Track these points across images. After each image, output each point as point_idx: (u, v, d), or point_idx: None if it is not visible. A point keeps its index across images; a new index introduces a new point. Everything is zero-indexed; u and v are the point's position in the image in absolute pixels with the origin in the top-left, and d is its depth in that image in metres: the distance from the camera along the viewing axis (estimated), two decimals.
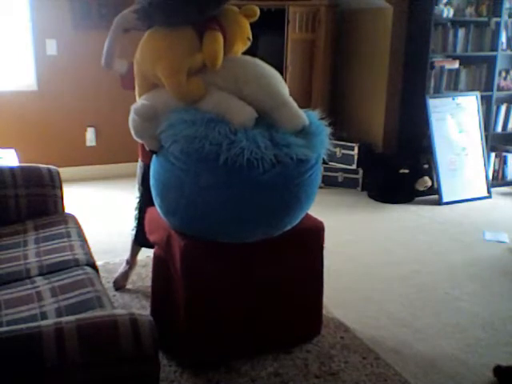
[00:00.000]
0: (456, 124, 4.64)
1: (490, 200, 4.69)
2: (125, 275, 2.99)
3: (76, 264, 2.12)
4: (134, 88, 2.28)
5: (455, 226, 4.05)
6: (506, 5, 4.66)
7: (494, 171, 5.03)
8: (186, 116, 2.04)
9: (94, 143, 5.00)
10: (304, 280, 2.38)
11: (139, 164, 2.86)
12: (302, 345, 2.44)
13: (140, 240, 2.86)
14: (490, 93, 4.82)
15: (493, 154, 4.98)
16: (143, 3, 2.15)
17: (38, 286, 1.94)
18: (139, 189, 2.87)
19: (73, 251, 2.22)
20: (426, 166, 4.65)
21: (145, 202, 2.70)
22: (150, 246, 2.70)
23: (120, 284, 2.96)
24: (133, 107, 2.13)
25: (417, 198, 4.61)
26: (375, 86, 4.87)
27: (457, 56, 4.69)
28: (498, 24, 4.68)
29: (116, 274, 3.01)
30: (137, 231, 2.87)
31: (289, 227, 2.22)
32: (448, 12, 4.54)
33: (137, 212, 2.87)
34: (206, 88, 2.10)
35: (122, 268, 3.02)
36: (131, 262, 3.02)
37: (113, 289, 2.92)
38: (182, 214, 2.12)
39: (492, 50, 4.74)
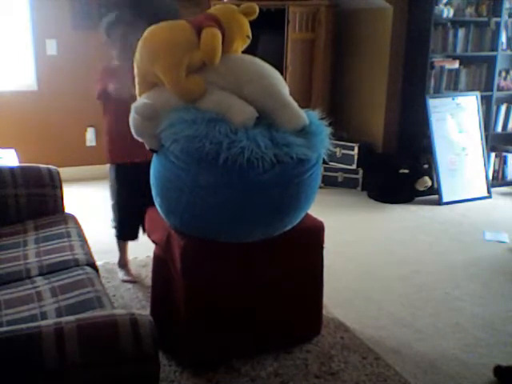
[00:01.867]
0: (456, 124, 4.64)
1: (490, 200, 4.68)
2: (129, 275, 3.04)
3: (76, 264, 2.12)
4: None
5: (455, 226, 4.05)
6: (506, 5, 4.66)
7: (494, 171, 5.03)
8: (187, 115, 2.04)
9: (93, 143, 5.00)
10: (304, 280, 2.37)
11: (109, 167, 3.06)
12: (301, 345, 2.44)
13: (121, 234, 3.01)
14: (490, 93, 4.82)
15: (493, 154, 4.98)
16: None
17: (38, 286, 1.94)
18: (111, 189, 3.07)
19: (73, 251, 2.22)
20: (425, 166, 4.65)
21: (120, 196, 2.96)
22: (132, 236, 2.92)
23: (132, 280, 3.02)
24: (133, 106, 2.14)
25: (417, 198, 4.61)
26: (375, 86, 4.87)
27: (457, 56, 4.69)
28: (498, 24, 4.68)
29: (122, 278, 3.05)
30: (115, 226, 3.01)
31: (289, 227, 2.22)
32: (448, 12, 4.54)
33: (112, 208, 3.05)
34: (206, 87, 2.10)
35: (121, 275, 3.06)
36: (123, 261, 3.07)
37: (113, 289, 2.92)
38: (182, 214, 2.12)
39: (492, 50, 4.74)
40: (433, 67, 4.59)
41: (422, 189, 4.61)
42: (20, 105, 4.68)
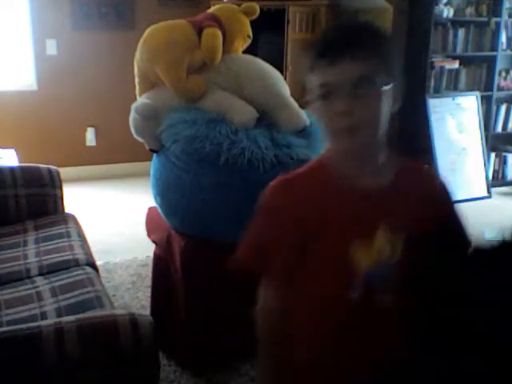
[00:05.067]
0: (456, 124, 4.64)
1: (490, 200, 4.68)
2: None
3: (76, 264, 2.12)
4: None
5: None
6: (506, 5, 4.66)
7: (494, 171, 5.02)
8: (187, 116, 2.04)
9: (94, 143, 4.99)
10: None
11: None
12: None
13: None
14: (490, 93, 4.82)
15: (493, 154, 4.97)
16: None
17: (38, 286, 1.94)
18: None
19: (73, 251, 2.22)
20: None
21: None
22: None
23: None
24: (133, 106, 2.14)
25: None
26: None
27: (457, 56, 4.69)
28: (498, 24, 4.67)
29: None
30: None
31: None
32: (448, 12, 4.54)
33: None
34: (207, 87, 2.10)
35: None
36: None
37: (113, 289, 2.91)
38: (182, 214, 2.12)
39: (492, 50, 4.73)
40: (433, 67, 4.58)
41: None
42: (20, 105, 4.68)
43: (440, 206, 1.18)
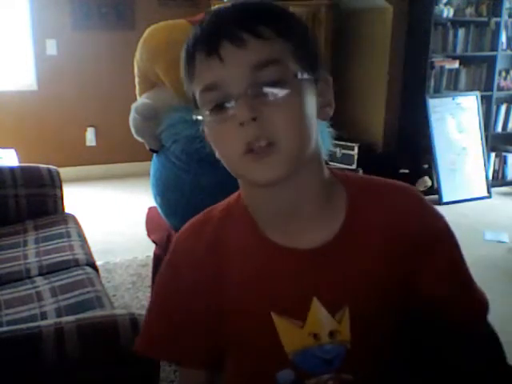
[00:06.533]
0: (456, 124, 4.64)
1: (490, 200, 4.68)
2: None
3: (76, 264, 2.12)
4: None
5: (455, 226, 3.94)
6: (506, 5, 4.66)
7: (494, 171, 5.03)
8: (187, 116, 2.04)
9: (94, 143, 5.00)
10: None
11: None
12: None
13: None
14: (490, 93, 4.82)
15: (493, 154, 4.98)
16: None
17: (37, 286, 1.94)
18: None
19: (73, 251, 2.22)
20: (425, 166, 4.65)
21: None
22: None
23: None
24: (133, 106, 2.14)
25: None
26: (375, 85, 4.87)
27: (457, 56, 4.69)
28: (498, 24, 4.68)
29: None
30: None
31: None
32: (448, 12, 4.54)
33: None
34: None
35: None
36: None
37: (113, 289, 2.91)
38: (182, 214, 2.11)
39: (492, 50, 4.74)
40: (433, 67, 4.59)
41: (422, 189, 4.61)
42: (20, 105, 4.68)
43: (423, 250, 0.86)
